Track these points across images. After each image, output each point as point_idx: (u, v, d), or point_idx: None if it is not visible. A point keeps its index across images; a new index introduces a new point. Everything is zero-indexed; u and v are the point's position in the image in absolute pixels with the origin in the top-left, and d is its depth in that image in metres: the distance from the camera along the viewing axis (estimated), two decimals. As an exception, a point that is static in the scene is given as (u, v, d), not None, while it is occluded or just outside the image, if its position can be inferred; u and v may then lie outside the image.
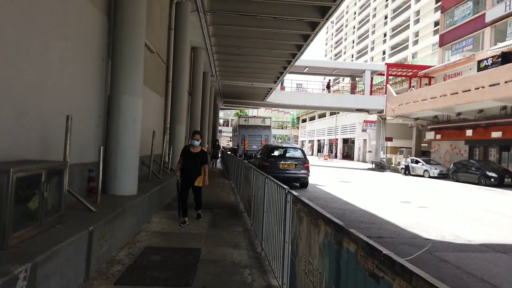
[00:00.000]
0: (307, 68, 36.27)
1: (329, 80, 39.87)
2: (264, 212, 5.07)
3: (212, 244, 5.44)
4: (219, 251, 5.13)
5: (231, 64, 20.34)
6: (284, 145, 16.37)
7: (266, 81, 24.85)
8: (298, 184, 15.18)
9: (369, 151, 50.85)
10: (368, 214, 9.88)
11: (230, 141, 49.83)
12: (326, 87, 38.91)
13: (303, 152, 15.48)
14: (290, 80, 37.18)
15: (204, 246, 5.31)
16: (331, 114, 62.72)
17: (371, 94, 37.31)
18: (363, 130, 49.64)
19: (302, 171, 14.47)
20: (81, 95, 5.09)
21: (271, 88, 28.04)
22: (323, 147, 67.95)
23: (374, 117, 42.08)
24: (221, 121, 68.25)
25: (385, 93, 36.50)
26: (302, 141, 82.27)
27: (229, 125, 69.00)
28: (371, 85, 38.14)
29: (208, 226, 6.63)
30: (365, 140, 52.43)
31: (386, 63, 37.74)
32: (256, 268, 4.55)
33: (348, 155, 62.25)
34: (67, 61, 4.59)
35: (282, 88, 35.85)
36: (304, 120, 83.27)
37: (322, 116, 68.56)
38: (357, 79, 40.81)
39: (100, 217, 4.17)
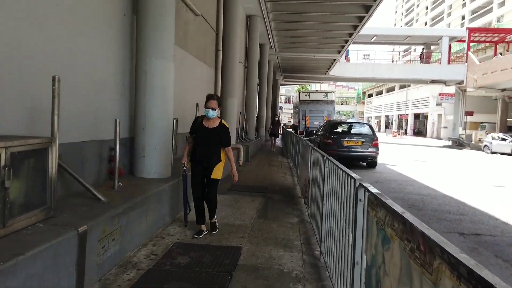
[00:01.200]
0: (375, 37, 33.22)
1: (423, 48, 35.51)
2: (323, 205, 3.81)
3: (257, 242, 4.32)
4: (265, 252, 4.00)
5: (290, 33, 18.76)
6: (349, 120, 14.69)
7: (329, 52, 22.87)
8: (365, 164, 13.57)
9: (444, 127, 46.41)
10: (454, 201, 8.13)
11: (291, 117, 48.39)
12: (419, 57, 34.63)
13: (371, 127, 13.72)
14: (355, 50, 34.31)
15: (247, 244, 4.21)
16: (401, 87, 58.13)
17: (448, 63, 33.31)
18: (438, 104, 45.26)
19: (370, 149, 12.80)
20: (95, 59, 4.14)
21: (334, 60, 25.94)
22: (392, 123, 63.68)
23: (451, 89, 37.85)
24: (282, 98, 66.71)
25: (466, 62, 32.38)
26: (368, 117, 78.00)
27: (291, 101, 67.31)
28: (449, 54, 34.01)
29: (257, 215, 5.52)
30: (439, 115, 47.87)
31: (467, 28, 33.36)
32: (313, 282, 3.34)
33: (419, 132, 57.68)
34: (68, 13, 3.62)
35: (347, 60, 33.34)
36: (370, 95, 78.67)
37: (390, 90, 63.94)
38: (432, 47, 36.70)
39: (107, 210, 3.22)
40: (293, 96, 62.21)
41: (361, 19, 15.51)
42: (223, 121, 4.43)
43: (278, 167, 11.68)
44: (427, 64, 33.49)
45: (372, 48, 37.47)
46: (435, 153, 23.55)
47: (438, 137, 47.25)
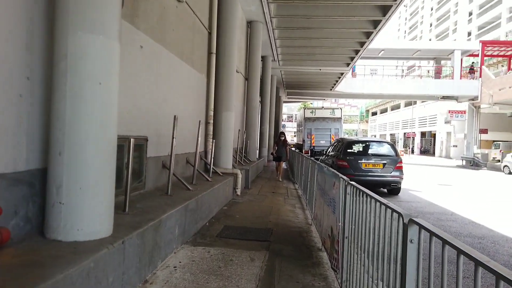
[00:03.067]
0: (382, 51, 31.55)
1: (472, 62, 32.47)
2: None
3: None
4: None
5: (295, 43, 16.96)
6: (366, 139, 12.69)
7: (337, 64, 21.07)
8: (385, 190, 11.49)
9: (453, 146, 44.41)
10: (524, 248, 6.05)
11: (295, 136, 46.44)
12: (469, 72, 31.72)
13: (393, 147, 11.67)
14: (362, 65, 32.63)
15: None
16: (406, 105, 56.45)
17: (460, 78, 31.46)
18: (447, 122, 43.37)
19: (393, 173, 10.75)
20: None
21: (342, 74, 24.14)
22: (397, 142, 61.67)
23: (461, 106, 35.98)
24: (284, 116, 64.90)
25: (480, 77, 30.57)
26: (372, 135, 76.04)
27: (293, 120, 65.47)
28: (461, 68, 32.19)
29: (258, 291, 3.43)
30: (448, 133, 45.87)
31: (481, 41, 31.69)
32: None
33: (426, 151, 55.64)
34: None
35: (353, 75, 31.62)
36: (374, 113, 77.04)
37: (395, 107, 62.26)
38: (442, 62, 34.99)
39: None
40: (295, 114, 60.37)
41: (376, 24, 13.72)
42: None
43: (284, 196, 9.61)
44: (438, 80, 31.68)
45: (378, 63, 35.77)
46: (453, 174, 21.43)
47: (448, 156, 45.23)
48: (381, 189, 11.45)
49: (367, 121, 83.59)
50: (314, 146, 25.00)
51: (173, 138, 5.06)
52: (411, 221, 1.70)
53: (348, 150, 11.50)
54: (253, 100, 14.63)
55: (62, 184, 2.73)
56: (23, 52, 2.74)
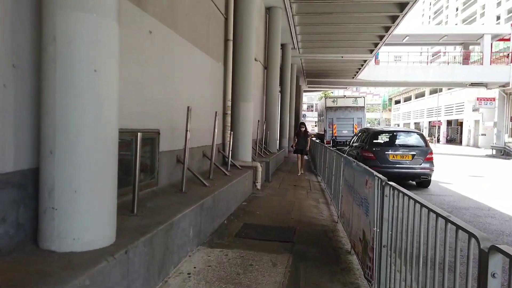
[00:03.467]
0: (407, 37, 30.33)
1: None
2: None
3: None
4: None
5: (316, 30, 16.28)
6: (393, 129, 12.02)
7: (360, 51, 20.25)
8: (414, 183, 10.87)
9: (482, 134, 42.57)
10: None
11: (315, 126, 45.63)
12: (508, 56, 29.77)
13: (422, 137, 10.99)
14: (386, 52, 31.46)
15: None
16: (431, 92, 54.49)
17: (490, 64, 29.90)
18: (475, 110, 41.60)
19: (423, 165, 10.12)
20: None
21: (365, 61, 23.27)
22: (422, 131, 59.87)
23: (490, 93, 34.34)
24: (304, 106, 64.06)
25: (511, 62, 28.99)
26: (396, 125, 74.13)
27: (314, 109, 64.48)
28: (491, 53, 30.59)
29: (281, 304, 3.03)
30: (476, 121, 44.01)
31: (512, 24, 29.99)
32: None
33: (452, 139, 53.74)
34: None
35: (376, 62, 30.54)
36: (397, 102, 74.93)
37: (419, 95, 60.25)
38: (470, 47, 33.40)
39: None
40: (316, 103, 59.41)
41: (402, 6, 12.92)
42: None
43: (306, 189, 9.15)
44: (466, 65, 30.24)
45: (403, 50, 34.45)
46: (484, 164, 20.37)
47: (476, 145, 43.47)
48: (410, 181, 10.84)
49: (390, 110, 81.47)
50: (336, 136, 24.33)
51: (186, 130, 4.68)
52: (494, 249, 1.24)
53: (374, 141, 10.91)
54: (273, 90, 14.14)
55: (54, 187, 2.37)
56: (7, 36, 2.38)
